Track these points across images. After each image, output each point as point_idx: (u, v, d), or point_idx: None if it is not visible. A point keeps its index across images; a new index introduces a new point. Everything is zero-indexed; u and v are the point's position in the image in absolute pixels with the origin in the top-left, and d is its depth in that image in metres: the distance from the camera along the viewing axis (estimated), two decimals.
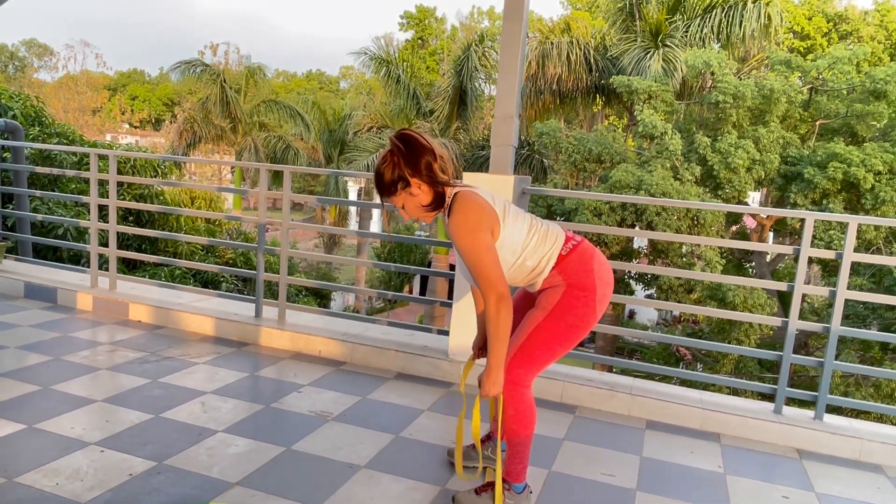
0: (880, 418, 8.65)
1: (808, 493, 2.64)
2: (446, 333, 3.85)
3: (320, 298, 16.71)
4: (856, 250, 3.19)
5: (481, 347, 2.48)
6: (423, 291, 23.81)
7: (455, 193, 2.13)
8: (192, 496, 2.23)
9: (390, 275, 24.75)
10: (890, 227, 11.56)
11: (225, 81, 21.57)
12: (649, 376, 5.92)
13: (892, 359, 10.95)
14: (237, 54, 26.42)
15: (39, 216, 5.58)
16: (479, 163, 16.03)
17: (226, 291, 7.61)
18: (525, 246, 2.16)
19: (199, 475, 2.38)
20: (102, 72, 35.46)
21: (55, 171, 5.19)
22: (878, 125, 12.65)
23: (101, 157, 4.73)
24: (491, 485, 2.29)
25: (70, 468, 2.36)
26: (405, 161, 2.07)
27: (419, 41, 40.83)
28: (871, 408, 3.54)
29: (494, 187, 2.89)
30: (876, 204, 11.29)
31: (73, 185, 7.85)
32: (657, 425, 3.21)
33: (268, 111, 22.43)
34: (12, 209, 5.68)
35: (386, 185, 2.11)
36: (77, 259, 7.44)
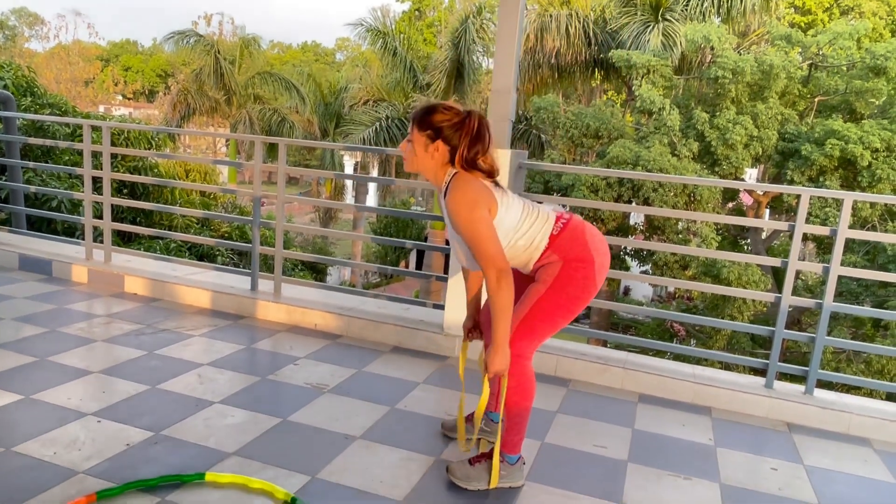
0: (870, 393, 8.76)
1: (797, 465, 2.69)
2: (441, 308, 3.86)
3: (316, 273, 16.72)
4: (851, 227, 3.20)
5: (471, 329, 2.49)
6: (419, 267, 23.85)
7: (454, 173, 2.15)
8: (190, 465, 2.25)
9: (386, 250, 24.76)
10: (885, 205, 11.58)
11: (219, 52, 21.28)
12: (643, 351, 6.00)
13: (884, 335, 11.05)
14: (231, 25, 26.04)
15: (33, 188, 5.54)
16: None
17: (221, 265, 7.61)
18: (518, 228, 2.18)
19: (196, 445, 2.40)
20: (95, 42, 34.90)
21: (48, 142, 5.14)
22: (877, 102, 12.59)
23: (95, 129, 4.68)
24: (485, 455, 2.32)
25: (67, 438, 2.38)
26: (462, 132, 2.12)
27: (416, 12, 40.24)
28: (860, 383, 3.58)
29: None
30: (872, 181, 11.30)
31: (67, 157, 7.78)
32: (649, 399, 3.24)
33: (262, 83, 22.18)
34: (5, 181, 5.63)
35: (426, 122, 2.14)
36: (71, 231, 7.42)
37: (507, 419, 2.25)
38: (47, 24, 38.62)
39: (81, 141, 4.54)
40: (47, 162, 7.51)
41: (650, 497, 2.33)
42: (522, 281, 2.34)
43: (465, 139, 2.12)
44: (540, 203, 2.33)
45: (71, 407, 2.62)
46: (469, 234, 2.07)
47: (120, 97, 36.32)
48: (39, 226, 7.08)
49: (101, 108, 30.00)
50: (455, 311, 3.60)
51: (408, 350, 3.65)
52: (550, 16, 15.90)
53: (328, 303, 4.03)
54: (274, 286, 4.16)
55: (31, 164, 5.29)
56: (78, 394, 2.75)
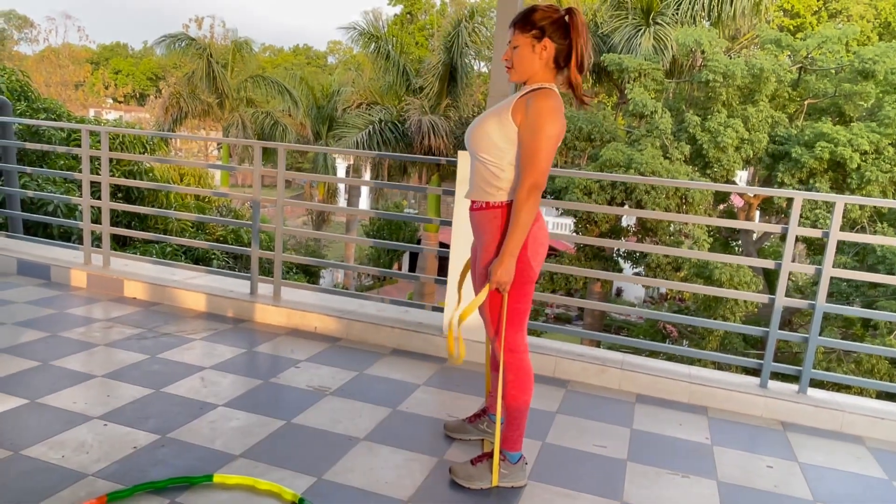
0: (861, 392, 8.87)
1: (791, 462, 2.74)
2: (441, 310, 3.91)
3: (309, 276, 16.72)
4: (842, 229, 3.27)
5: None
6: (412, 269, 23.86)
7: (547, 86, 2.17)
8: (198, 468, 2.28)
9: (379, 252, 24.76)
10: (874, 207, 11.72)
11: (211, 56, 21.25)
12: (636, 351, 6.06)
13: (874, 335, 11.17)
14: (223, 28, 26.05)
15: (30, 192, 5.54)
16: None
17: (217, 268, 7.61)
18: (517, 165, 2.20)
19: (203, 447, 2.43)
20: (85, 45, 34.84)
21: (46, 147, 5.14)
22: (866, 105, 12.74)
23: (92, 133, 4.69)
24: (486, 455, 2.36)
25: (75, 441, 2.40)
26: (562, 30, 2.14)
27: (408, 16, 40.28)
28: (852, 382, 3.65)
29: None
30: (861, 183, 11.43)
31: (62, 162, 7.77)
32: (647, 399, 3.29)
33: (255, 87, 22.17)
34: (2, 185, 5.63)
35: (529, 21, 2.15)
36: (67, 236, 7.41)
37: (506, 414, 2.30)
38: (37, 26, 38.44)
39: (76, 145, 4.55)
40: (41, 166, 7.50)
41: (650, 495, 2.38)
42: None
43: (579, 38, 2.14)
44: None
45: (77, 410, 2.64)
46: (536, 141, 2.10)
47: (110, 100, 36.17)
48: (35, 230, 7.07)
49: (92, 112, 29.87)
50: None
51: (408, 352, 3.69)
52: None
53: (327, 306, 4.06)
54: (273, 290, 4.19)
55: (29, 168, 5.29)
56: (83, 398, 2.77)
